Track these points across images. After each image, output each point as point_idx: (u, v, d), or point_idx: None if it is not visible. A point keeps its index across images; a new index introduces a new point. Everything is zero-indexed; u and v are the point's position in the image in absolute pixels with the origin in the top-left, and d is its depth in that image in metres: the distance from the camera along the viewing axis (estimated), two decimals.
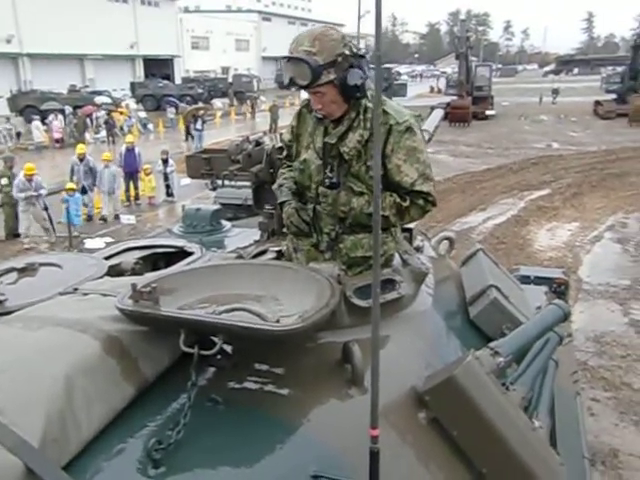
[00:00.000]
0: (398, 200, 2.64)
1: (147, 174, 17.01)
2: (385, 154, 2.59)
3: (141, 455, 1.60)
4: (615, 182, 18.11)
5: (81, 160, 15.22)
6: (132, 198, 17.30)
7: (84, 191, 14.94)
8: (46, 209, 13.17)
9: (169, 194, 17.46)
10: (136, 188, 17.29)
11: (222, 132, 28.77)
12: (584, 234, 13.10)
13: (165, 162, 17.29)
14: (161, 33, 56.18)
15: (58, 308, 2.10)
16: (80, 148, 15.64)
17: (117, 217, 15.12)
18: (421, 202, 2.67)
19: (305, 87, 2.50)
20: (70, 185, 13.76)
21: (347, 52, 2.48)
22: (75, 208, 13.43)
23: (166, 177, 17.32)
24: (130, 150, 16.98)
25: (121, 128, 32.32)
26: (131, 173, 17.00)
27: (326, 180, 2.70)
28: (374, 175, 1.31)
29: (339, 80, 2.47)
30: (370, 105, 2.61)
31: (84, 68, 51.18)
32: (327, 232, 2.80)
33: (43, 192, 13.22)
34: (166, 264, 3.22)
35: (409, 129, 2.60)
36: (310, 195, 2.81)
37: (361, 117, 2.62)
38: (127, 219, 14.16)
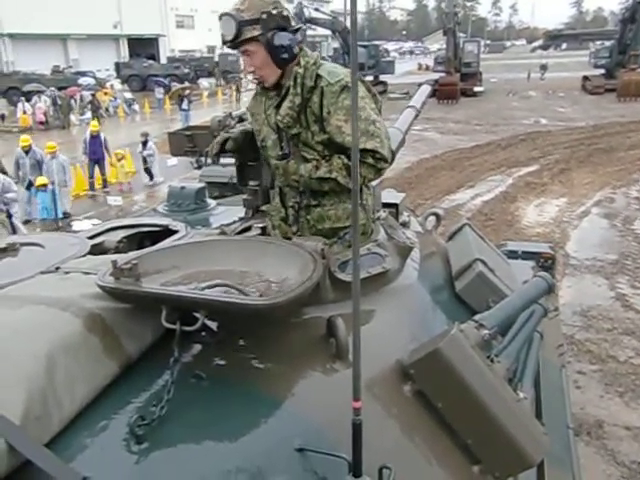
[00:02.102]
0: (346, 161, 2.63)
1: (119, 159, 16.27)
2: (322, 117, 2.61)
3: (124, 431, 1.60)
4: (603, 157, 18.12)
5: (27, 152, 13.64)
6: (98, 186, 16.40)
7: (29, 186, 13.37)
8: (9, 216, 10.61)
9: (150, 177, 16.87)
10: (103, 175, 16.50)
11: (209, 112, 28.54)
12: (572, 210, 13.14)
13: (144, 144, 16.60)
14: (145, 12, 55.48)
15: (39, 287, 2.08)
16: (24, 139, 13.97)
17: (66, 215, 13.66)
18: (370, 160, 2.60)
19: (233, 42, 2.57)
20: (42, 180, 12.58)
21: (274, 12, 2.55)
22: (53, 199, 12.70)
23: (145, 160, 16.67)
24: (95, 137, 16.11)
25: (106, 109, 32.11)
26: (97, 160, 16.21)
27: (280, 153, 2.77)
28: (352, 146, 1.30)
29: (265, 39, 2.54)
30: (300, 71, 2.63)
31: (67, 48, 50.63)
32: (292, 205, 2.84)
33: (11, 196, 10.76)
34: (152, 243, 3.20)
35: (345, 87, 2.57)
36: (272, 172, 2.91)
37: (292, 83, 2.64)
38: (114, 200, 14.05)
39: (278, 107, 2.69)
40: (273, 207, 2.97)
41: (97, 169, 16.43)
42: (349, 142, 2.53)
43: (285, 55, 2.57)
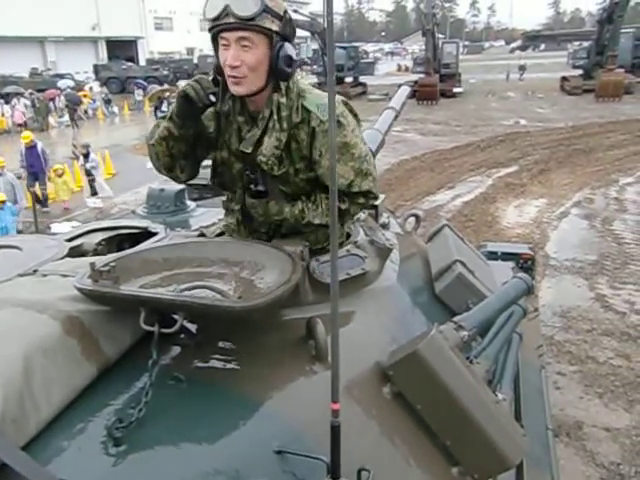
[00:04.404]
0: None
1: (59, 175, 14.64)
2: (313, 160, 2.34)
3: (102, 434, 1.59)
4: (582, 158, 18.27)
5: None
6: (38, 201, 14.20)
7: None
8: None
9: (94, 192, 15.43)
10: (43, 189, 14.74)
11: None
12: (551, 210, 13.23)
13: (86, 157, 15.25)
14: (123, 14, 55.32)
15: (16, 289, 2.07)
16: None
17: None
18: (361, 200, 2.42)
19: (240, 24, 2.10)
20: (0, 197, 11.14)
21: (290, 18, 2.22)
22: (11, 220, 11.24)
23: (88, 173, 15.37)
24: (31, 147, 14.50)
25: (85, 111, 31.96)
26: (35, 174, 14.53)
27: (251, 187, 2.41)
28: (330, 150, 1.29)
29: (277, 40, 2.16)
30: (283, 101, 2.28)
31: (45, 51, 50.39)
32: (265, 231, 2.55)
33: None
34: (131, 245, 3.18)
35: (336, 123, 2.11)
36: (235, 198, 2.56)
37: (275, 117, 2.28)
38: (93, 202, 13.95)
39: (259, 144, 2.32)
40: (234, 225, 2.64)
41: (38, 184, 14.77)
42: (342, 185, 2.32)
43: (288, 69, 2.21)
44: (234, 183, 2.50)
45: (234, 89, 2.23)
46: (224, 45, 2.18)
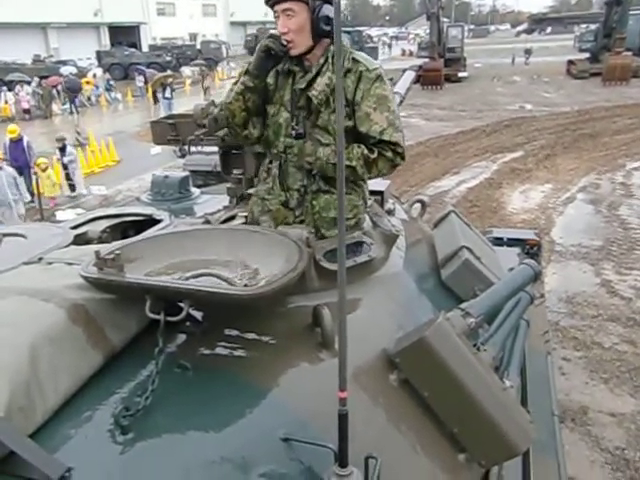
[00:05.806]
0: (366, 152, 2.59)
1: (43, 170, 13.51)
2: (355, 101, 2.59)
3: (109, 422, 1.60)
4: (588, 143, 18.13)
5: None
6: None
7: None
8: None
9: (72, 188, 14.62)
10: (28, 186, 13.11)
11: (192, 100, 28.28)
12: (557, 196, 13.16)
13: (62, 150, 14.43)
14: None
15: (22, 277, 2.08)
16: None
17: None
18: (390, 154, 2.60)
19: None
20: None
21: None
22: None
23: (65, 167, 14.46)
24: (17, 141, 13.82)
25: (88, 98, 31.86)
26: (20, 168, 13.43)
27: (292, 131, 2.70)
28: (337, 127, 1.28)
29: (314, 4, 2.52)
30: None
31: (47, 37, 49.97)
32: (297, 188, 2.76)
33: None
34: (136, 233, 3.17)
35: (379, 77, 2.60)
36: (275, 152, 2.79)
37: (329, 62, 2.63)
38: (98, 190, 13.91)
39: (311, 83, 2.64)
40: (265, 190, 2.84)
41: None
42: (375, 131, 2.57)
43: (327, 27, 2.54)
44: (279, 133, 2.76)
45: (290, 52, 2.62)
46: (277, 17, 2.60)
